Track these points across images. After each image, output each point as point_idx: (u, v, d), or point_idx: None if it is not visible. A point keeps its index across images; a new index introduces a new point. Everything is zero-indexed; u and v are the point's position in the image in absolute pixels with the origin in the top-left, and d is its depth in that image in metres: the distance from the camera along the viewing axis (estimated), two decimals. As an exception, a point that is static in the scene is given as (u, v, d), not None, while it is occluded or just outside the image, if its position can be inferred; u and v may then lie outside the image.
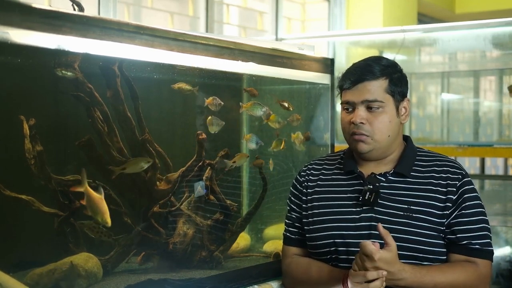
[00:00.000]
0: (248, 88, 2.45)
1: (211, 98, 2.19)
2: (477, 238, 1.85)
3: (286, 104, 2.47)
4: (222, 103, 2.20)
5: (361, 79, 1.88)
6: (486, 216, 1.89)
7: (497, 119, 6.62)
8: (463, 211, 1.85)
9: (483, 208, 1.89)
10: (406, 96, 1.95)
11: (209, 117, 2.24)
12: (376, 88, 1.87)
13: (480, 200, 1.90)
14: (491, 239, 1.88)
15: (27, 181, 1.86)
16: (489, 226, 1.89)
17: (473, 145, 5.16)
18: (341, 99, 1.96)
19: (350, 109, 1.90)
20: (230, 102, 2.51)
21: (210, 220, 2.27)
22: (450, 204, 1.85)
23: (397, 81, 1.91)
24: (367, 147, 1.88)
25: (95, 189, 1.83)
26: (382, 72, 1.89)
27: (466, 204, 1.86)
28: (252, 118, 2.57)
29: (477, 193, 1.90)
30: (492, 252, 1.87)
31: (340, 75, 1.97)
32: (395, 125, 1.91)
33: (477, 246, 1.84)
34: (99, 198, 1.79)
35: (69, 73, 1.82)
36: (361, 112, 1.87)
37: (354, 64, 1.96)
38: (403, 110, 1.93)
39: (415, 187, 1.88)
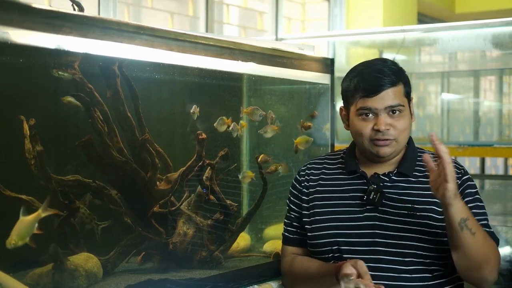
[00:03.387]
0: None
1: (232, 123, 2.26)
2: (482, 226, 1.84)
3: (308, 125, 2.51)
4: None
5: (381, 87, 1.86)
6: (486, 213, 1.91)
7: (497, 119, 6.62)
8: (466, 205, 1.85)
9: (483, 203, 1.91)
10: (411, 97, 1.97)
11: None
12: (397, 93, 1.88)
13: (480, 196, 1.92)
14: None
15: (27, 181, 1.86)
16: (489, 223, 1.90)
17: (473, 145, 5.16)
18: (350, 106, 1.93)
19: (370, 115, 1.88)
20: (230, 102, 2.52)
21: (210, 220, 2.27)
22: None
23: (408, 82, 1.94)
24: (389, 150, 1.89)
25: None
26: (398, 76, 1.89)
27: (467, 199, 1.87)
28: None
29: (477, 189, 1.92)
30: (497, 238, 1.88)
31: (349, 82, 1.92)
32: (410, 127, 1.94)
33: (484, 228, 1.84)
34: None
35: (65, 74, 1.82)
36: (385, 118, 1.87)
37: (363, 68, 1.92)
38: (411, 110, 1.96)
39: (418, 186, 1.90)
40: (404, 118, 1.89)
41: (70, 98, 1.85)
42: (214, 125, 2.22)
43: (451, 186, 1.67)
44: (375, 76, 1.88)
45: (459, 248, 1.75)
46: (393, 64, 1.93)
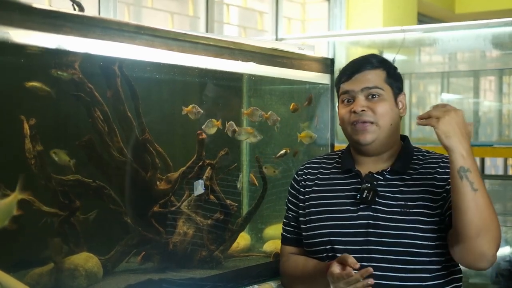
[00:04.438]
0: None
1: (190, 106, 2.18)
2: None
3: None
4: (202, 111, 2.18)
5: (359, 69, 1.92)
6: None
7: (497, 119, 6.62)
8: None
9: None
10: (402, 91, 1.98)
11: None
12: (375, 76, 1.92)
13: None
14: None
15: (27, 181, 1.86)
16: None
17: (473, 145, 5.14)
18: (338, 94, 1.98)
19: (349, 100, 1.92)
20: (230, 102, 2.52)
21: (210, 219, 2.28)
22: (446, 194, 1.84)
23: (393, 75, 1.96)
24: (370, 137, 1.89)
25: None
26: (380, 63, 1.95)
27: None
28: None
29: None
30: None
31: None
32: (396, 115, 1.93)
33: None
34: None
35: (64, 74, 1.82)
36: (361, 101, 1.89)
37: (350, 61, 1.99)
38: (400, 104, 1.95)
39: (412, 183, 1.89)
40: (384, 103, 1.89)
41: (35, 83, 1.79)
42: (203, 127, 2.20)
43: (441, 127, 1.70)
44: (354, 62, 1.96)
45: (458, 208, 1.70)
46: (383, 57, 1.99)
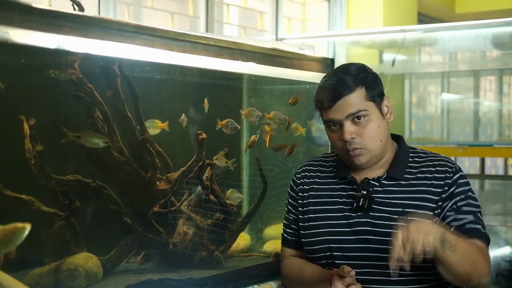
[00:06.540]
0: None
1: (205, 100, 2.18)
2: (472, 223, 1.84)
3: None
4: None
5: (338, 96, 1.84)
6: (480, 208, 1.88)
7: (497, 119, 6.62)
8: (456, 204, 1.85)
9: (477, 201, 1.89)
10: (384, 95, 1.92)
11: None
12: (356, 99, 1.84)
13: (473, 193, 1.89)
14: (485, 229, 1.87)
15: (27, 181, 1.86)
16: (482, 218, 1.88)
17: (473, 145, 5.15)
18: (322, 117, 1.92)
19: (336, 125, 1.87)
20: (230, 102, 2.52)
21: (210, 220, 2.27)
22: (441, 203, 1.84)
23: (372, 84, 1.88)
24: (364, 159, 1.87)
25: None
26: (356, 81, 1.85)
27: (459, 197, 1.85)
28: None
29: (469, 186, 1.89)
30: (488, 237, 1.86)
31: (315, 96, 1.92)
32: (384, 128, 1.89)
33: (472, 226, 1.83)
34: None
35: (62, 75, 1.82)
36: (349, 127, 1.84)
37: (325, 81, 1.90)
38: (386, 109, 1.90)
39: (408, 189, 1.88)
40: (371, 123, 1.85)
41: (58, 72, 1.79)
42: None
43: (429, 240, 1.64)
44: (331, 87, 1.86)
45: (444, 266, 1.72)
46: (356, 69, 1.89)
